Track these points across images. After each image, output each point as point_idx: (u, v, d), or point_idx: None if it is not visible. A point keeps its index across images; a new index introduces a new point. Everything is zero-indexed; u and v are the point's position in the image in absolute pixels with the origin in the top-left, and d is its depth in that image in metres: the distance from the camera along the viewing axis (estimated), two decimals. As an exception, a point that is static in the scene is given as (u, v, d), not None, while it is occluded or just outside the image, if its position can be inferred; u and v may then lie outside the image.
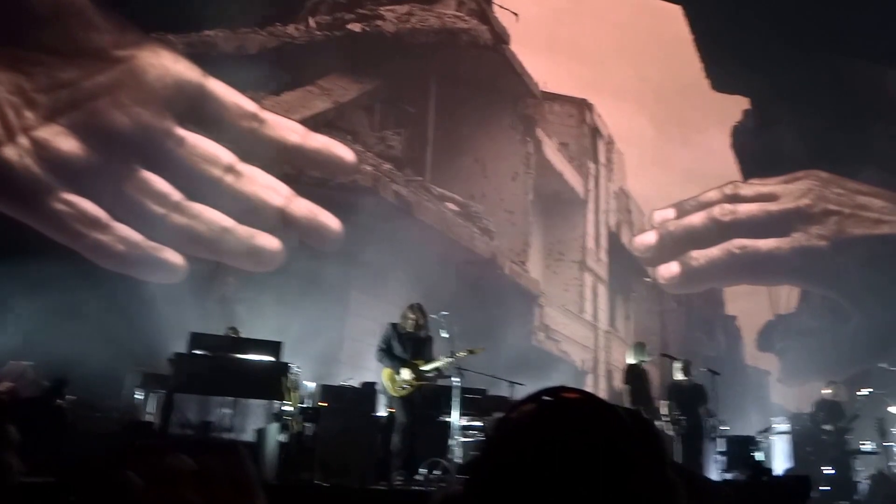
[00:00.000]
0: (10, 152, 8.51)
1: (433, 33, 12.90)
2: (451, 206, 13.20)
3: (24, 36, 8.64)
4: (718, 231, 11.20)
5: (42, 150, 8.71)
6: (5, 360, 7.91)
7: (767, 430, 9.23)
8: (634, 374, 7.79)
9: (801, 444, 9.00)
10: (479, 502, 0.84)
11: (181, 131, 9.39)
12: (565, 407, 0.88)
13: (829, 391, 9.26)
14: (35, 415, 5.68)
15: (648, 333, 17.34)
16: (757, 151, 14.44)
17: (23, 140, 8.60)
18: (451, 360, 6.44)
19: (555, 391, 0.91)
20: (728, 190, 11.64)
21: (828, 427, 8.85)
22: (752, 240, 11.11)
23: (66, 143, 8.86)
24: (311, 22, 12.34)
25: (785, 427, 9.38)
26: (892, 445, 8.43)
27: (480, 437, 6.93)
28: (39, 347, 7.69)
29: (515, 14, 15.15)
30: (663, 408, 7.81)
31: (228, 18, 11.52)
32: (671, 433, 7.43)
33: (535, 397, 0.91)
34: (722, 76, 15.45)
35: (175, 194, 9.01)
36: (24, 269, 8.07)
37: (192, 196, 9.04)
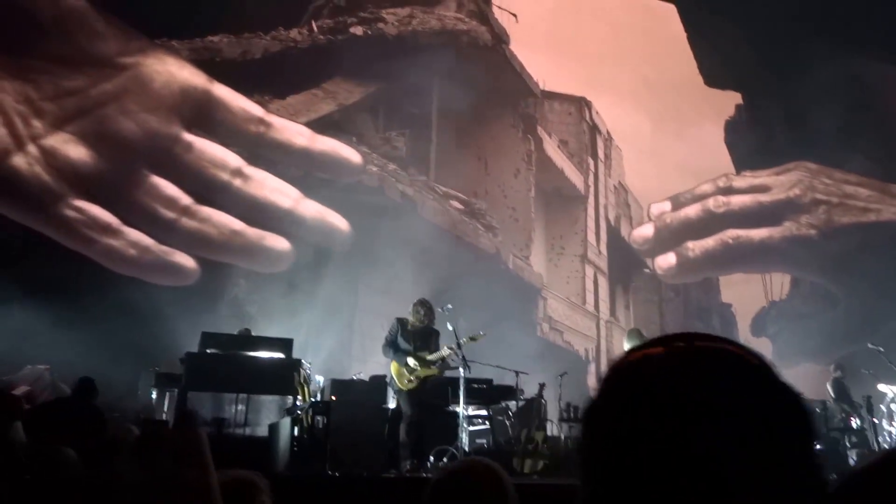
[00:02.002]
0: (20, 161, 8.60)
1: (434, 35, 13.06)
2: (456, 203, 13.40)
3: (30, 46, 8.71)
4: (713, 222, 11.40)
5: (51, 158, 8.79)
6: (22, 365, 8.11)
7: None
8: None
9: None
10: (601, 455, 0.72)
11: (189, 136, 9.49)
12: (707, 357, 0.74)
13: (839, 374, 9.38)
14: (74, 417, 5.91)
15: (648, 322, 17.60)
16: (749, 144, 14.65)
17: (31, 148, 8.67)
18: (454, 348, 6.58)
19: (687, 337, 0.77)
20: (721, 182, 11.85)
21: (845, 406, 9.00)
22: (745, 230, 11.32)
23: (74, 150, 8.94)
24: (314, 26, 12.51)
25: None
26: (879, 422, 8.62)
27: (486, 424, 7.05)
28: (55, 351, 7.88)
29: (514, 15, 15.35)
30: None
31: (232, 24, 11.70)
32: None
33: (663, 341, 0.78)
34: (715, 72, 15.64)
35: (184, 198, 9.14)
36: (40, 274, 8.28)
37: (202, 200, 9.18)
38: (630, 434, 0.70)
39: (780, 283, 15.72)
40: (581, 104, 18.49)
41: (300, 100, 11.54)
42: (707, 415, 0.68)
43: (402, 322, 6.83)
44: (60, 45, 8.85)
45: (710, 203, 11.57)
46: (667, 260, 11.51)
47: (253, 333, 8.04)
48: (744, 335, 20.22)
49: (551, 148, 16.82)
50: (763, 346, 18.09)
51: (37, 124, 8.82)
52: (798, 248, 11.17)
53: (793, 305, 14.94)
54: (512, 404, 8.10)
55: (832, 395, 9.11)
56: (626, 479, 0.69)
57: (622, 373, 0.77)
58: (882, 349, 8.25)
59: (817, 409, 9.05)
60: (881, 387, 8.83)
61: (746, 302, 18.40)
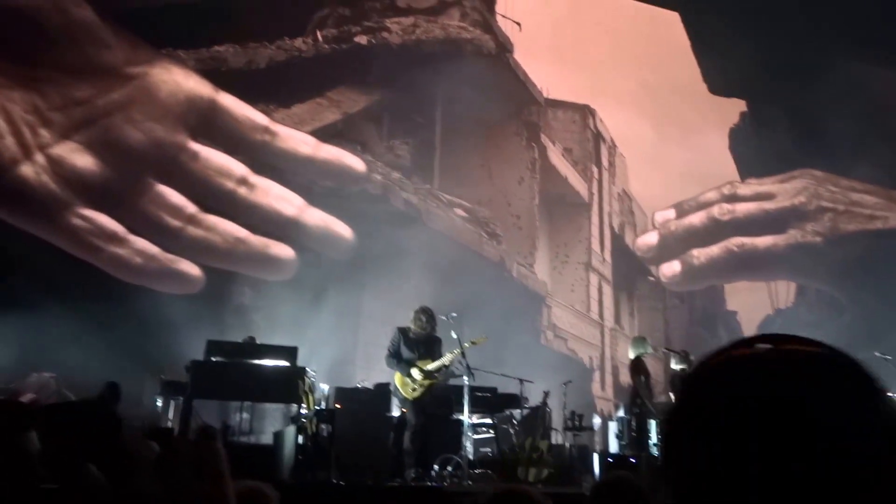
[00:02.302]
0: (28, 170, 8.65)
1: (438, 44, 13.13)
2: (460, 211, 13.42)
3: (38, 55, 8.77)
4: (718, 230, 11.39)
5: (58, 167, 8.84)
6: (28, 372, 8.15)
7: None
8: (638, 368, 7.85)
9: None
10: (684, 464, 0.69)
11: (194, 145, 9.55)
12: (796, 360, 0.70)
13: None
14: (97, 420, 5.96)
15: (652, 330, 17.56)
16: (753, 152, 14.66)
17: (39, 158, 8.73)
18: (455, 355, 6.58)
19: (774, 338, 0.74)
20: (726, 190, 11.84)
21: None
22: (750, 238, 11.30)
23: (81, 159, 8.99)
24: (319, 35, 12.60)
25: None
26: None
27: (491, 433, 7.06)
28: (61, 359, 7.91)
29: (518, 24, 15.41)
30: (662, 398, 7.95)
31: (237, 34, 11.79)
32: None
33: (748, 342, 0.74)
34: (718, 80, 15.68)
35: (190, 207, 9.19)
36: (47, 283, 8.32)
37: (207, 208, 9.22)
38: (725, 444, 0.66)
39: (785, 291, 15.71)
40: (585, 112, 18.54)
41: (305, 109, 11.61)
42: (811, 423, 0.64)
43: (403, 331, 6.83)
44: (69, 55, 8.91)
45: (715, 211, 11.56)
46: (671, 268, 11.50)
47: (258, 341, 8.07)
48: (749, 343, 20.19)
49: (555, 156, 16.86)
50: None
51: (44, 133, 8.87)
52: (803, 255, 11.15)
53: (798, 313, 14.92)
54: (516, 413, 8.09)
55: None
56: (718, 489, 0.65)
57: (709, 378, 0.73)
58: (890, 358, 8.22)
59: None
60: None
61: (752, 310, 18.37)
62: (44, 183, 8.78)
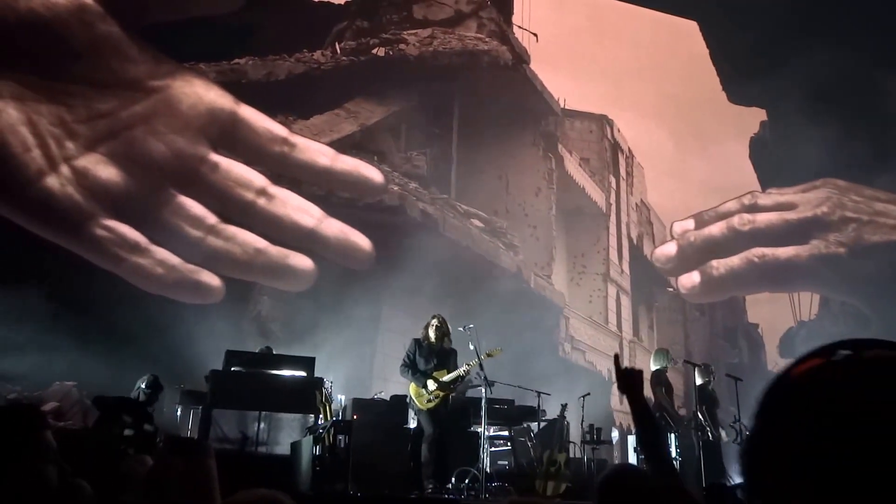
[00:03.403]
0: (53, 181, 8.79)
1: (455, 55, 13.20)
2: (477, 222, 13.43)
3: (64, 70, 8.93)
4: (738, 241, 11.23)
5: (83, 179, 8.97)
6: (51, 381, 8.26)
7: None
8: (659, 380, 7.78)
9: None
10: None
11: (215, 156, 9.64)
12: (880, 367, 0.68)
13: None
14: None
15: (672, 342, 17.41)
16: (774, 161, 14.50)
17: (64, 169, 8.86)
18: (471, 366, 6.57)
19: (853, 344, 0.71)
20: (746, 200, 11.67)
21: None
22: (772, 248, 11.13)
23: (105, 171, 9.12)
24: (337, 48, 12.73)
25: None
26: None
27: (508, 445, 7.03)
28: (83, 368, 8.02)
29: (535, 34, 15.47)
30: (682, 412, 7.87)
31: (257, 47, 11.95)
32: (693, 439, 7.45)
33: (825, 352, 0.72)
34: (738, 89, 15.56)
35: (210, 217, 9.27)
36: (69, 292, 8.45)
37: (227, 219, 9.31)
38: (818, 456, 0.64)
39: (808, 303, 15.48)
40: (602, 122, 18.52)
41: (323, 120, 11.72)
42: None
43: (418, 342, 6.83)
44: (94, 69, 9.04)
45: (735, 221, 11.42)
46: (690, 279, 11.35)
47: (275, 351, 8.12)
48: (771, 356, 19.91)
49: (572, 166, 16.83)
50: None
51: (70, 146, 9.00)
52: (827, 266, 10.96)
53: (822, 326, 14.67)
54: (534, 425, 8.05)
55: None
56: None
57: (789, 392, 0.71)
58: None
59: None
60: None
61: (774, 322, 18.15)
62: (69, 194, 8.91)
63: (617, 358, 2.27)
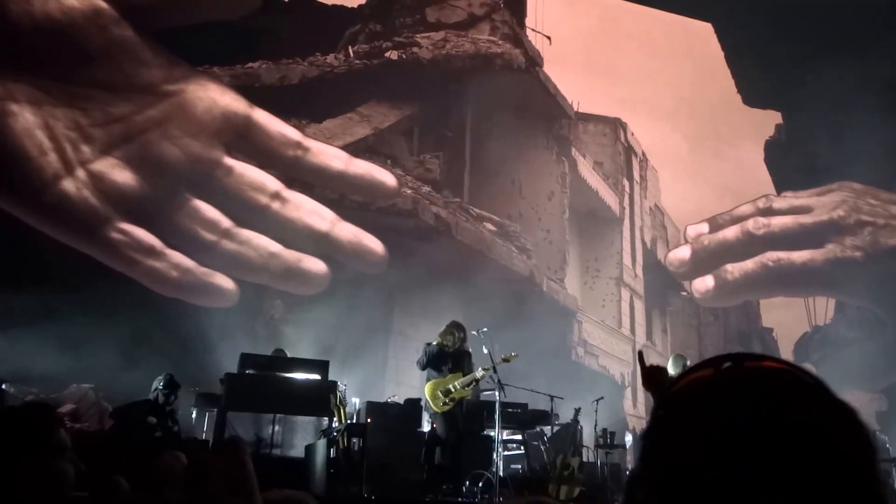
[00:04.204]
0: (69, 185, 8.86)
1: (468, 58, 13.21)
2: (489, 226, 13.42)
3: (80, 74, 8.99)
4: (752, 244, 11.13)
5: (98, 183, 9.02)
6: (68, 383, 8.33)
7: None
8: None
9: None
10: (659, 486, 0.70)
11: (229, 160, 9.68)
12: (762, 378, 0.72)
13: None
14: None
15: (686, 347, 17.30)
16: (790, 164, 14.38)
17: (80, 173, 8.92)
18: (486, 370, 6.57)
19: (738, 357, 0.76)
20: (761, 203, 11.57)
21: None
22: (787, 252, 11.02)
23: (120, 174, 9.17)
24: (350, 51, 12.77)
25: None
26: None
27: (521, 449, 7.00)
28: (100, 370, 8.09)
29: (548, 37, 15.45)
30: None
31: (271, 51, 12.00)
32: None
33: (712, 362, 0.76)
34: (753, 91, 15.45)
35: (225, 221, 9.31)
36: (86, 295, 8.52)
37: (241, 222, 9.35)
38: (689, 463, 0.68)
39: (823, 307, 15.33)
40: (616, 125, 18.46)
41: (336, 123, 11.76)
42: (765, 438, 0.66)
43: (431, 352, 6.84)
44: (109, 73, 9.10)
45: (750, 224, 11.32)
46: (704, 283, 11.26)
47: (288, 354, 8.14)
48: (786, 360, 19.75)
49: (586, 170, 16.78)
50: (806, 373, 17.63)
51: (85, 150, 9.06)
52: (842, 271, 10.85)
53: (837, 330, 14.52)
54: (547, 429, 8.01)
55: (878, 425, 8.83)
56: (698, 487, 0.67)
57: (676, 400, 0.75)
58: None
59: None
60: None
61: (789, 326, 17.99)
62: (85, 198, 8.97)
63: (641, 355, 2.28)
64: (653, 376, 1.98)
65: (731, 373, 0.73)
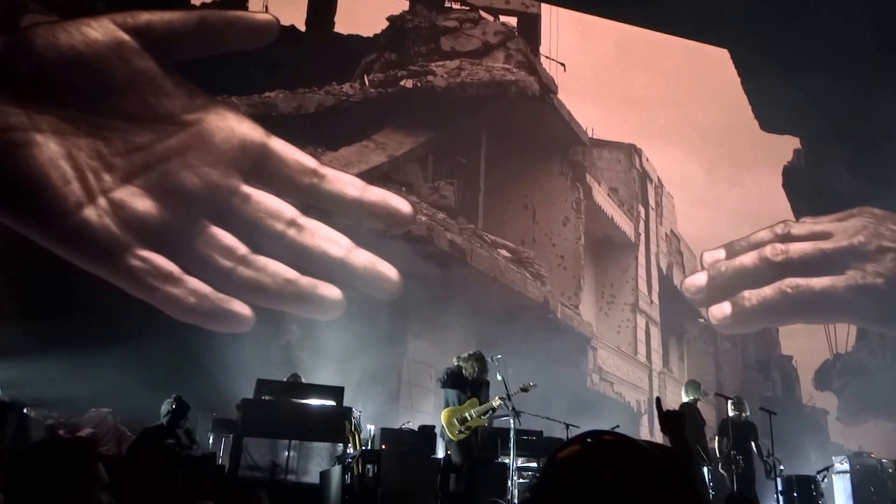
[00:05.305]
0: (91, 213, 9.00)
1: (483, 86, 13.36)
2: (504, 252, 13.43)
3: (102, 104, 9.18)
4: (771, 271, 11.01)
5: (119, 210, 9.16)
6: (87, 408, 8.41)
7: (828, 470, 8.98)
8: (689, 413, 7.64)
9: (863, 483, 8.76)
10: None
11: (246, 188, 9.80)
12: (604, 449, 0.94)
13: None
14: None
15: (703, 374, 17.08)
16: (809, 190, 14.29)
17: (102, 201, 9.07)
18: (503, 399, 6.55)
19: (597, 434, 0.99)
20: (779, 229, 11.46)
21: None
22: (806, 279, 10.89)
23: (141, 202, 9.30)
24: (366, 80, 12.98)
25: (845, 467, 9.13)
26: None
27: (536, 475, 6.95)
28: (118, 395, 8.16)
29: (563, 64, 15.60)
30: (712, 444, 7.72)
31: (288, 80, 12.22)
32: (724, 472, 7.30)
33: (579, 439, 0.99)
34: (771, 116, 15.42)
35: (241, 248, 9.39)
36: (105, 321, 8.63)
37: (258, 249, 9.44)
38: None
39: (845, 335, 15.10)
40: (630, 151, 18.49)
41: (352, 151, 11.90)
42: (609, 495, 0.88)
43: (453, 372, 6.84)
44: (131, 104, 9.27)
45: (768, 251, 11.22)
46: (721, 309, 11.14)
47: (303, 380, 8.17)
48: (807, 389, 19.39)
49: (600, 196, 16.79)
50: (828, 401, 17.27)
51: (107, 178, 9.19)
52: (863, 297, 10.69)
53: (859, 358, 14.28)
54: (563, 457, 7.93)
55: None
56: None
57: (549, 469, 0.97)
58: None
59: (889, 470, 8.60)
60: None
61: (809, 354, 17.72)
62: (106, 225, 9.09)
63: (659, 401, 2.35)
64: (670, 421, 2.09)
65: (592, 446, 0.95)
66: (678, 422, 2.07)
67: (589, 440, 0.96)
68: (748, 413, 7.96)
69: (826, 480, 8.65)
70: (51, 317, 8.02)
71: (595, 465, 0.91)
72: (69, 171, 8.72)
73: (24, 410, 7.37)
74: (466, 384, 6.75)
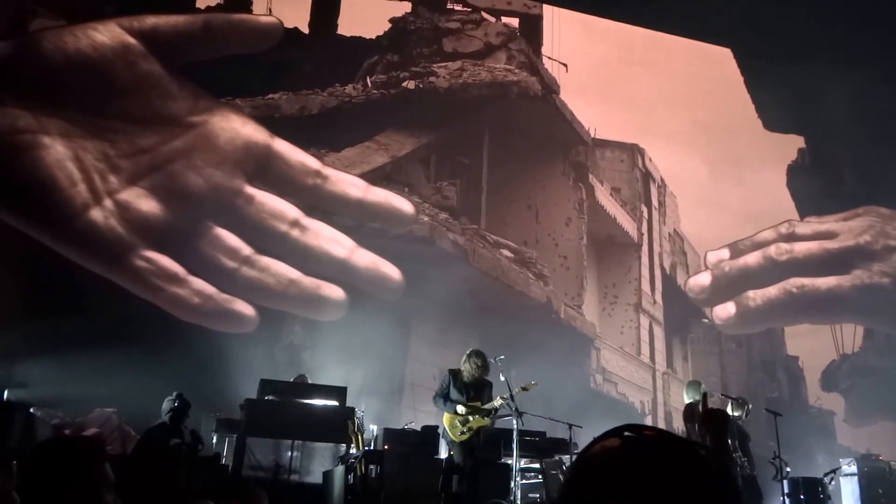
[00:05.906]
0: (97, 214, 9.04)
1: (485, 87, 13.39)
2: (506, 252, 13.45)
3: (110, 107, 9.23)
4: (775, 270, 10.95)
5: (125, 212, 9.19)
6: (92, 408, 8.47)
7: (835, 472, 8.93)
8: (692, 414, 7.63)
9: (871, 486, 8.71)
10: None
11: (250, 189, 9.84)
12: (646, 444, 0.87)
13: None
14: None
15: (707, 374, 17.06)
16: (813, 189, 14.25)
17: (108, 203, 9.10)
18: (505, 399, 6.55)
19: (637, 428, 0.91)
20: (784, 229, 11.39)
21: None
22: (811, 278, 10.84)
23: (146, 204, 9.33)
24: (369, 81, 13.02)
25: (853, 469, 9.08)
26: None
27: (539, 478, 6.97)
28: (123, 395, 8.21)
29: (565, 64, 15.61)
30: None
31: (291, 82, 12.28)
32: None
33: (617, 432, 0.92)
34: (775, 115, 15.40)
35: (245, 249, 9.41)
36: (110, 321, 8.69)
37: (261, 250, 9.48)
38: None
39: (851, 335, 15.04)
40: (633, 151, 18.49)
41: (354, 152, 11.95)
42: (651, 493, 0.81)
43: (454, 373, 6.84)
44: (137, 106, 9.29)
45: (772, 250, 11.16)
46: (726, 310, 11.08)
47: (309, 380, 8.20)
48: (813, 390, 19.31)
49: (603, 196, 16.79)
50: (835, 402, 17.19)
51: (113, 180, 9.23)
52: (870, 297, 10.62)
53: (866, 359, 14.22)
54: (566, 458, 7.94)
55: None
56: None
57: (583, 465, 0.91)
58: None
59: None
60: None
61: (815, 355, 17.65)
62: (111, 226, 9.12)
63: (705, 396, 2.34)
64: (712, 420, 2.09)
65: (633, 441, 0.89)
66: (721, 422, 2.05)
67: (627, 434, 0.90)
68: (745, 417, 7.89)
69: (833, 483, 8.60)
70: (57, 318, 8.08)
71: (637, 460, 0.85)
72: (76, 172, 8.77)
73: (31, 410, 7.42)
74: (468, 387, 6.73)
